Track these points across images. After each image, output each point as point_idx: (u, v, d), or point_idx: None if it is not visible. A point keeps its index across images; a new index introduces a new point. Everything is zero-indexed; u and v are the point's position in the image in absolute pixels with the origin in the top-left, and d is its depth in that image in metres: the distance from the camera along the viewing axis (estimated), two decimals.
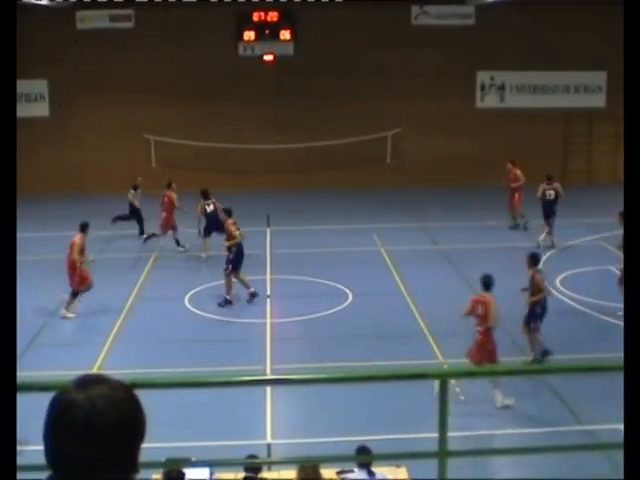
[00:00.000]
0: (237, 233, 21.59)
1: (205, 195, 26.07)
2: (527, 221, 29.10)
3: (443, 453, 4.40)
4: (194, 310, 21.29)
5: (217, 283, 22.89)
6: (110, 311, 20.96)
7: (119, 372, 13.42)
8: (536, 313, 17.64)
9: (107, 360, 17.80)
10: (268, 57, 36.51)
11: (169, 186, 27.35)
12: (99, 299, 21.20)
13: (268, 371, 17.09)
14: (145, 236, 27.34)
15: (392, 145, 37.16)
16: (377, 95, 36.63)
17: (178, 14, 34.36)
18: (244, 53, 36.33)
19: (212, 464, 9.57)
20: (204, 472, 10.23)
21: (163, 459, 6.03)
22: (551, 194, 27.38)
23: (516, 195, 29.30)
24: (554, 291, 22.46)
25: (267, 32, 36.02)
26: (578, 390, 15.59)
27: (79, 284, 20.90)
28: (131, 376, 3.25)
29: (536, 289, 17.67)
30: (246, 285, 21.92)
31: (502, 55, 36.87)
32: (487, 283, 16.44)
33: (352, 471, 10.35)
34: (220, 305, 21.56)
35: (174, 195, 27.09)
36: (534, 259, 18.13)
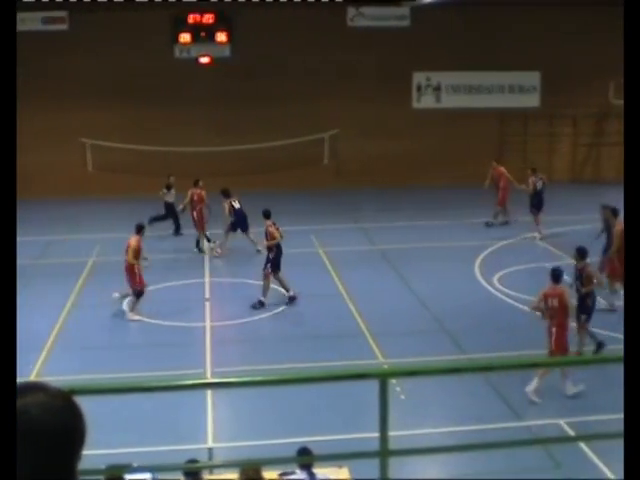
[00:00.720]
0: (277, 234, 21.50)
1: (227, 194, 26.31)
2: (505, 221, 29.48)
3: (384, 452, 4.42)
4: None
5: (157, 287, 22.77)
6: (48, 318, 20.71)
7: (58, 379, 13.27)
8: (588, 306, 17.82)
9: (45, 367, 17.58)
10: (204, 59, 36.40)
11: (196, 184, 27.44)
12: (36, 305, 20.95)
13: (208, 374, 17.02)
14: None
15: (329, 146, 37.26)
16: (314, 96, 36.70)
17: (114, 16, 34.09)
18: (180, 55, 36.18)
19: (153, 469, 9.52)
20: (145, 477, 10.17)
21: (104, 466, 5.98)
22: (539, 185, 28.31)
23: (503, 193, 29.64)
24: (492, 289, 22.71)
25: (203, 34, 35.92)
26: (517, 386, 15.76)
27: (141, 285, 20.94)
28: (70, 383, 3.22)
29: (587, 281, 17.86)
30: (285, 287, 21.80)
31: (438, 56, 37.15)
32: (557, 276, 16.53)
33: (294, 472, 10.35)
34: (254, 307, 21.28)
35: (203, 193, 27.20)
36: (582, 253, 18.23)
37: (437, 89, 38.26)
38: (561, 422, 14.57)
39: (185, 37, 35.85)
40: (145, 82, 35.78)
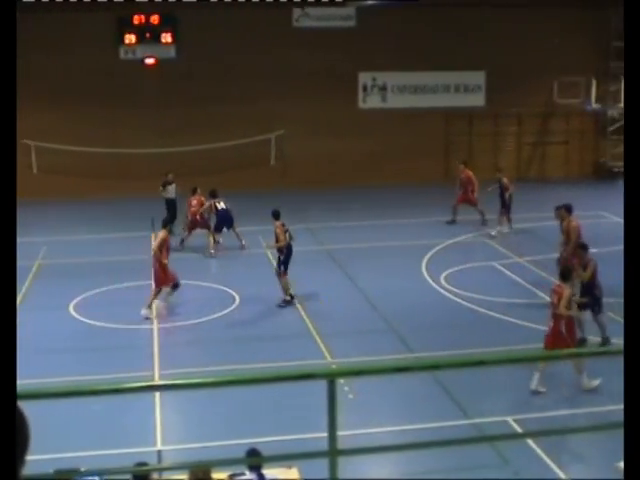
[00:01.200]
0: (282, 237, 21.59)
1: (214, 194, 27.28)
2: (453, 221, 29.63)
3: (333, 452, 4.42)
4: (79, 318, 20.93)
5: (104, 289, 22.62)
6: None
7: None
8: (596, 296, 18.22)
9: None
10: (150, 60, 36.18)
11: (195, 192, 27.89)
12: None
13: (156, 377, 16.93)
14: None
15: (276, 147, 37.22)
16: (260, 97, 36.66)
17: (58, 17, 33.76)
18: (125, 57, 35.91)
19: (102, 473, 9.43)
20: None
21: (52, 470, 5.93)
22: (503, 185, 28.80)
23: (463, 193, 29.67)
24: (439, 288, 22.82)
25: (148, 35, 35.69)
26: (464, 384, 15.86)
27: (164, 281, 21.14)
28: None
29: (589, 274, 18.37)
30: (286, 288, 21.78)
31: (383, 56, 37.28)
32: (564, 274, 16.84)
33: (243, 474, 10.34)
34: (280, 306, 21.50)
35: (202, 198, 27.69)
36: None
37: (383, 89, 38.39)
38: (509, 419, 14.69)
39: (130, 38, 35.60)
40: (91, 83, 35.47)
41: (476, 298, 21.89)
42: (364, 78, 38.18)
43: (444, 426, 14.23)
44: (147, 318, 20.74)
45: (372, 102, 38.35)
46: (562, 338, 15.75)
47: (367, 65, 37.60)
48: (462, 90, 38.77)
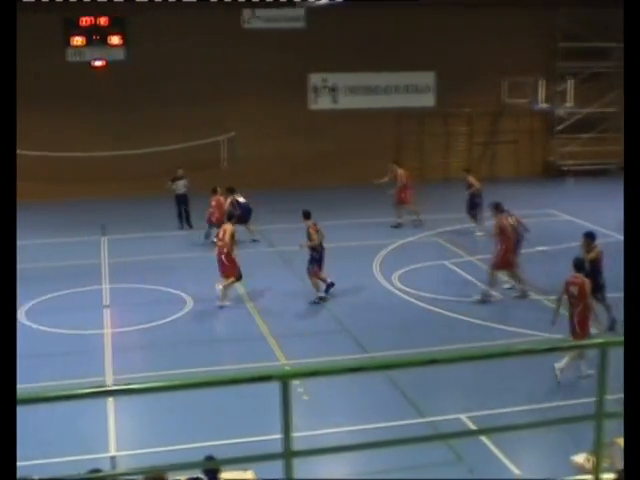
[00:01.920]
0: (315, 236, 22.02)
1: (232, 190, 27.95)
2: (419, 219, 29.65)
3: (288, 453, 4.42)
4: (29, 324, 20.71)
5: (54, 295, 22.42)
6: None
7: None
8: (600, 283, 18.56)
9: None
10: (98, 63, 35.90)
11: (215, 192, 28.16)
12: None
13: (109, 382, 16.80)
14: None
15: (227, 149, 37.11)
16: (211, 99, 36.55)
17: None
18: (72, 59, 35.57)
19: None
20: None
21: None
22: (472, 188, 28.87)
23: (402, 194, 29.71)
24: (392, 287, 22.89)
25: (96, 37, 35.41)
26: (418, 383, 15.93)
27: (232, 272, 21.95)
28: None
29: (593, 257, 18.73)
30: (317, 287, 22.22)
31: (334, 57, 37.35)
32: (578, 265, 17.14)
33: (199, 479, 10.28)
34: (315, 303, 21.90)
35: (222, 198, 27.99)
36: (591, 237, 19.27)
37: (334, 90, 38.45)
38: (462, 417, 14.77)
39: (77, 40, 35.26)
40: (37, 86, 35.07)
41: (429, 297, 21.99)
42: (314, 79, 38.22)
43: (399, 425, 14.28)
44: (222, 306, 21.59)
45: (323, 103, 38.39)
46: (587, 325, 16.42)
47: (317, 66, 37.64)
48: (412, 91, 38.93)
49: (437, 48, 37.55)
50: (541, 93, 38.13)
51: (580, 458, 12.64)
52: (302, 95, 38.07)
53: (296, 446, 4.49)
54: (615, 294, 20.57)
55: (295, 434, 4.42)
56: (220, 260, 22.03)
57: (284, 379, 4.34)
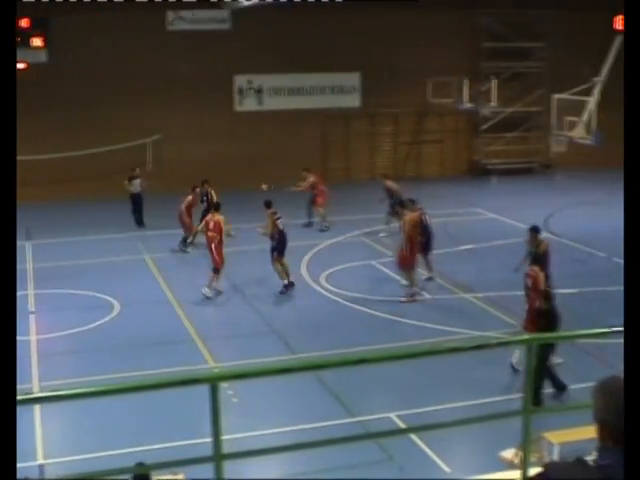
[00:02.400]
0: (271, 225, 22.86)
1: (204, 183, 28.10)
2: (326, 224, 29.54)
3: (218, 456, 4.40)
4: None
5: None
6: None
7: None
8: None
9: None
10: (20, 65, 35.33)
11: (194, 189, 28.06)
12: None
13: (36, 389, 16.57)
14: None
15: (152, 151, 36.84)
16: (136, 101, 36.26)
17: None
18: None
19: None
20: None
21: None
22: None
23: (318, 198, 29.67)
24: (320, 288, 22.94)
25: (18, 39, 34.84)
26: (347, 383, 15.98)
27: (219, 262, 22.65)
28: None
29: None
30: (281, 275, 22.81)
31: (259, 59, 37.32)
32: (535, 258, 17.98)
33: None
34: (281, 293, 22.54)
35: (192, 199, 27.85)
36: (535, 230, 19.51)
37: (259, 92, 38.41)
38: (392, 415, 14.86)
39: None
40: None
41: (356, 297, 22.07)
42: (240, 81, 38.15)
43: (329, 425, 14.31)
44: (208, 297, 22.22)
45: (248, 105, 38.34)
46: (539, 317, 16.36)
47: (243, 68, 37.58)
48: (338, 91, 39.07)
49: (362, 49, 37.73)
50: (465, 93, 38.54)
51: (509, 454, 12.81)
52: (227, 97, 37.96)
53: (226, 449, 4.47)
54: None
55: (225, 437, 4.41)
56: (210, 250, 22.66)
57: (213, 382, 4.33)
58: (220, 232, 22.62)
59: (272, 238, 22.84)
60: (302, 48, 37.28)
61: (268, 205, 23.19)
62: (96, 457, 13.37)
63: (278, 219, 22.94)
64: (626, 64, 5.03)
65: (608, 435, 3.49)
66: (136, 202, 30.26)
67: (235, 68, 37.50)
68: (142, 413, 14.88)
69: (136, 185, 29.95)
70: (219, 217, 22.97)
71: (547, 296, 16.35)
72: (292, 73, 38.07)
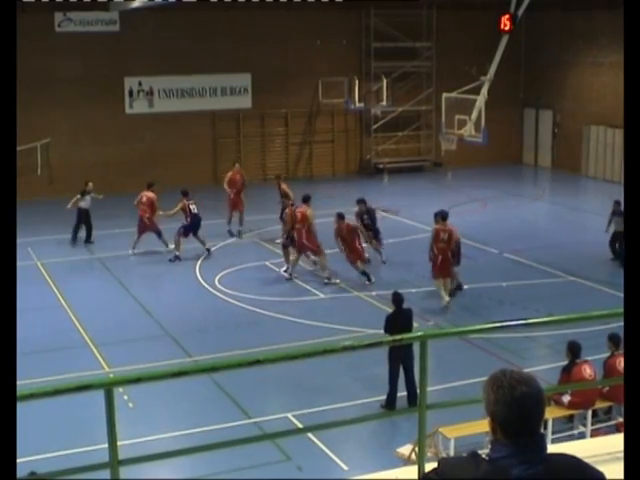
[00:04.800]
0: (178, 211, 25.82)
1: (186, 194, 26.09)
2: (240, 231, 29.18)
3: (114, 462, 4.38)
4: None
5: None
6: None
7: None
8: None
9: None
10: None
11: (150, 187, 26.63)
12: None
13: None
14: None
15: (42, 155, 36.18)
16: (24, 104, 35.05)
17: None
18: None
19: None
20: None
21: None
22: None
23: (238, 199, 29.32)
24: (214, 290, 22.87)
25: None
26: (243, 385, 15.99)
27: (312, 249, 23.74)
28: None
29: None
30: (177, 246, 25.61)
31: (149, 60, 36.96)
32: (445, 216, 20.57)
33: None
34: (170, 260, 25.38)
35: (154, 196, 26.52)
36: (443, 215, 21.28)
37: (149, 94, 38.04)
38: (288, 415, 14.93)
39: None
40: None
41: (251, 298, 22.09)
42: (130, 83, 37.70)
43: (225, 427, 14.30)
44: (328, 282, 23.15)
45: (139, 107, 37.93)
46: (448, 265, 20.66)
47: (133, 70, 37.16)
48: (229, 92, 38.95)
49: (253, 50, 37.70)
50: (356, 92, 38.80)
51: (405, 449, 12.98)
52: (118, 99, 37.49)
53: (123, 454, 4.45)
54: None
55: (121, 442, 4.38)
56: (300, 242, 23.43)
57: (107, 387, 4.30)
58: (303, 222, 23.29)
59: (186, 220, 25.56)
60: (192, 49, 37.05)
61: (184, 194, 25.78)
62: None
63: (189, 205, 25.55)
64: (626, 64, 5.09)
65: (499, 428, 3.55)
66: (85, 218, 28.06)
67: (125, 70, 37.06)
68: (36, 421, 14.62)
69: (87, 201, 28.05)
70: (304, 208, 23.76)
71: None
72: (183, 75, 37.80)
